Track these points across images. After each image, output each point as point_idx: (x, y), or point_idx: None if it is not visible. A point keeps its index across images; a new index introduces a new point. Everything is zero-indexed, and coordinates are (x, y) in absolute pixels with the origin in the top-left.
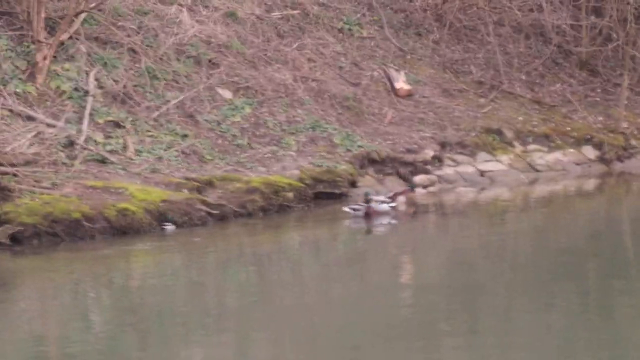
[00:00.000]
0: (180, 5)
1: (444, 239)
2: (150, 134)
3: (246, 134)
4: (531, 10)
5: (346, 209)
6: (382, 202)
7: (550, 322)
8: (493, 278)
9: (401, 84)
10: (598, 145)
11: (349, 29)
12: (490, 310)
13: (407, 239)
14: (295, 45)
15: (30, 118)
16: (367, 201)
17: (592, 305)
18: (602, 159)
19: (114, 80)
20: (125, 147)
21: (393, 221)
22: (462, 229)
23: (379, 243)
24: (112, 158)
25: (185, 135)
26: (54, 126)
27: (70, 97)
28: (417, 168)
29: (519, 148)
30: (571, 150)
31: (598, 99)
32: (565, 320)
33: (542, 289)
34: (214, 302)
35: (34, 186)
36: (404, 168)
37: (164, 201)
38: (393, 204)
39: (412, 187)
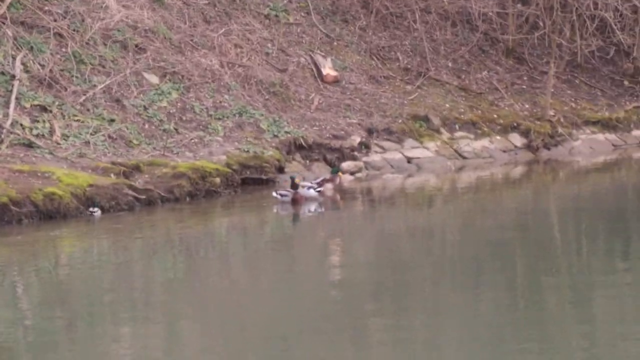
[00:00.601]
0: None
1: (371, 225)
2: (77, 118)
3: (173, 119)
4: None
5: (274, 194)
6: (310, 187)
7: (477, 304)
8: (421, 263)
9: (328, 70)
10: (525, 133)
11: (276, 15)
12: (419, 294)
13: (334, 224)
14: (221, 31)
15: None
16: (294, 185)
17: (519, 285)
18: (529, 147)
19: (41, 65)
20: (52, 132)
21: (320, 207)
22: (389, 215)
23: (306, 228)
24: (39, 142)
25: (112, 120)
26: None
27: None
28: (344, 154)
29: (445, 135)
30: (498, 137)
31: (525, 87)
32: (492, 303)
33: (470, 271)
34: (141, 288)
35: None
36: (330, 154)
37: (91, 186)
38: (320, 189)
39: (336, 171)
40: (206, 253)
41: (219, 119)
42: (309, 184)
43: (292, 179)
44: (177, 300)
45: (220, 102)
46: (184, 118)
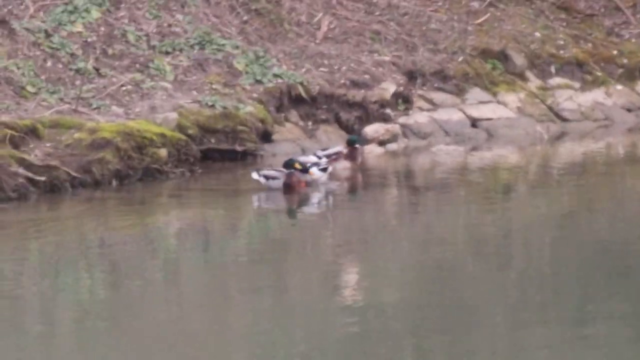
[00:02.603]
0: None
1: (410, 228)
2: None
3: (92, 53)
4: None
5: (255, 176)
6: (313, 165)
7: None
8: (489, 291)
9: None
10: None
11: None
12: (485, 344)
13: (351, 226)
14: None
15: None
16: (288, 165)
17: None
18: None
19: None
20: None
21: (329, 197)
22: (439, 213)
23: (305, 233)
24: None
25: None
26: None
27: None
28: (370, 112)
29: (534, 82)
30: (619, 87)
31: None
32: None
33: (567, 310)
34: (40, 326)
35: None
36: (347, 112)
37: None
38: (329, 169)
39: (356, 140)
40: (142, 273)
41: (167, 53)
42: (313, 160)
43: (291, 163)
44: (96, 347)
45: (170, 25)
46: (110, 52)
